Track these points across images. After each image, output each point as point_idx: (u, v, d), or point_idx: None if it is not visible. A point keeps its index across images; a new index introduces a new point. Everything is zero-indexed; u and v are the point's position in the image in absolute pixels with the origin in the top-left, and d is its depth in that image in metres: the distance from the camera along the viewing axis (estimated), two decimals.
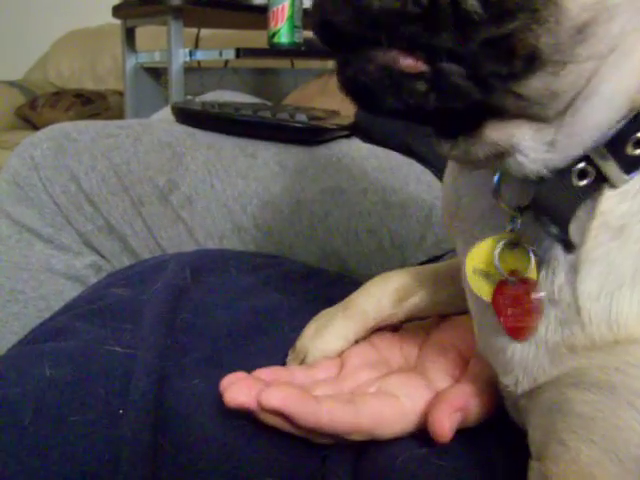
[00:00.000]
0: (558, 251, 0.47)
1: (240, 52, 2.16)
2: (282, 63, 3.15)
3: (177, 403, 0.62)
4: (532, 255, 0.48)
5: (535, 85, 0.42)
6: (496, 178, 0.50)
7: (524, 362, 0.49)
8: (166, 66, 2.31)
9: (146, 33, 2.72)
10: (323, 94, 2.05)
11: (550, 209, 0.46)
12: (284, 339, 0.73)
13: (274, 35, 2.18)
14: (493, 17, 0.39)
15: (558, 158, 0.44)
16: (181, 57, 2.24)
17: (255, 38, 2.71)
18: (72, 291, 0.97)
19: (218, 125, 1.09)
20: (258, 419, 0.55)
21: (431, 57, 0.41)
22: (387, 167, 1.08)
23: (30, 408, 0.61)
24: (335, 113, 1.26)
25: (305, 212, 1.02)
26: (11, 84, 3.92)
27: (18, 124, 3.68)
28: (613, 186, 0.45)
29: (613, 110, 0.44)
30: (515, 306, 0.49)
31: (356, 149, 1.12)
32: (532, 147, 0.44)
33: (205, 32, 3.38)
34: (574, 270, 0.46)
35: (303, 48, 2.26)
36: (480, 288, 0.51)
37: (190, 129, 1.10)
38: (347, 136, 1.17)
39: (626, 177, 0.44)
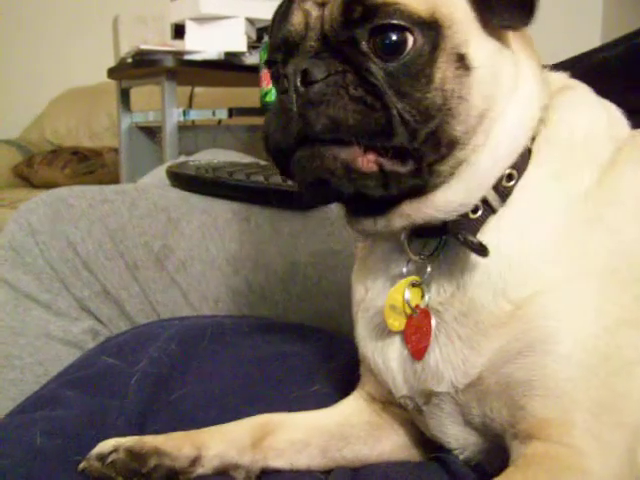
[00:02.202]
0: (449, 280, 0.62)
1: (233, 112, 2.20)
2: None
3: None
4: (426, 291, 0.63)
5: (450, 162, 0.58)
6: (403, 236, 0.64)
7: (452, 363, 0.61)
8: (160, 125, 2.34)
9: (140, 92, 2.76)
10: None
11: (460, 236, 0.60)
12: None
13: (266, 94, 2.22)
14: (422, 119, 0.55)
15: (462, 209, 0.60)
16: (175, 117, 2.28)
17: (248, 94, 2.75)
18: (69, 357, 0.98)
19: (212, 189, 1.11)
20: None
21: (381, 156, 0.56)
22: None
23: (21, 478, 0.62)
24: None
25: (299, 275, 1.03)
26: (8, 142, 3.96)
27: (15, 182, 3.71)
28: (494, 211, 0.61)
29: (504, 162, 0.61)
30: (417, 333, 0.63)
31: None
32: (440, 211, 0.60)
33: (199, 88, 3.43)
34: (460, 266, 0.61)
35: None
36: (393, 323, 0.65)
37: (185, 193, 1.12)
38: None
39: (501, 203, 0.61)
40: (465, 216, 0.61)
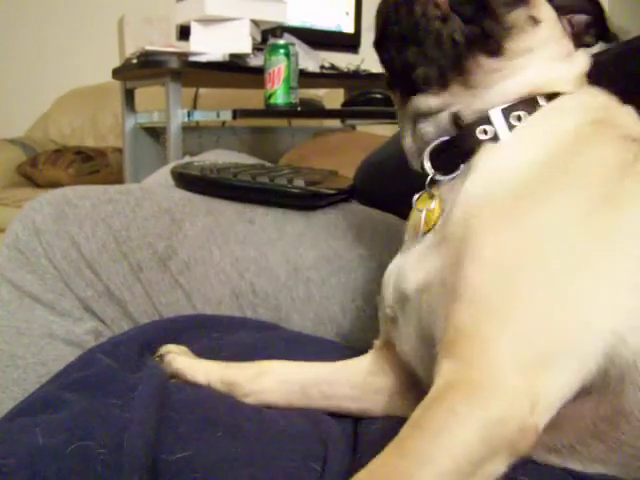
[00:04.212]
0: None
1: (237, 113, 2.20)
2: (279, 121, 3.20)
3: (171, 475, 0.63)
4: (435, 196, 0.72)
5: (515, 16, 0.70)
6: (428, 151, 0.74)
7: (422, 258, 0.68)
8: (165, 126, 2.34)
9: (145, 93, 2.77)
10: (320, 154, 2.08)
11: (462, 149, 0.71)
12: None
13: (270, 96, 2.22)
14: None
15: (474, 111, 0.72)
16: (179, 118, 2.27)
17: (252, 96, 2.75)
18: (72, 357, 0.97)
19: (217, 190, 1.11)
20: None
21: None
22: (385, 232, 1.09)
23: (25, 477, 0.61)
24: (333, 174, 1.28)
25: (302, 278, 1.03)
26: (12, 142, 3.96)
27: (19, 181, 3.71)
28: (498, 138, 0.69)
29: (514, 93, 0.71)
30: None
31: (354, 214, 1.13)
32: (465, 101, 0.72)
33: (203, 89, 3.44)
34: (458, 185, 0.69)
35: (299, 108, 2.29)
36: (414, 219, 0.75)
37: (189, 194, 1.12)
38: (345, 199, 1.18)
39: (509, 133, 0.69)
40: (472, 131, 0.71)
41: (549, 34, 0.73)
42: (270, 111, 2.27)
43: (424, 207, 0.73)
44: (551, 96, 0.72)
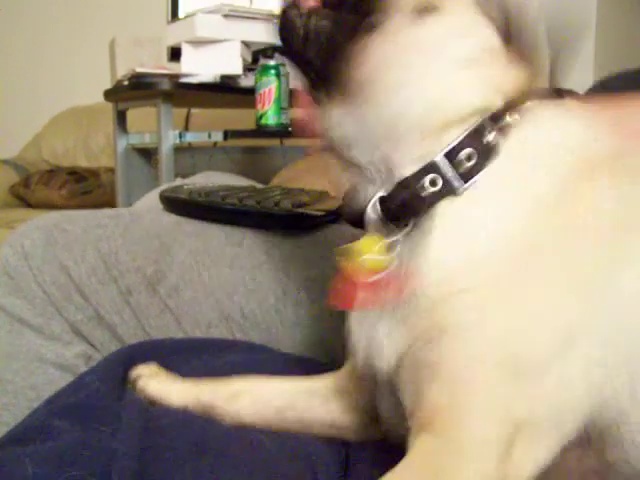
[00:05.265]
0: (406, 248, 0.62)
1: (228, 134, 2.21)
2: (271, 141, 3.21)
3: None
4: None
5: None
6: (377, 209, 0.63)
7: (389, 336, 0.61)
8: (156, 146, 2.35)
9: (137, 113, 2.78)
10: (311, 173, 2.08)
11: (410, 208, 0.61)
12: None
13: (261, 117, 2.23)
14: None
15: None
16: (171, 139, 2.29)
17: (244, 115, 2.77)
18: (62, 381, 0.97)
19: (205, 214, 1.11)
20: None
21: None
22: None
23: None
24: (323, 194, 1.28)
25: (291, 300, 1.03)
26: (5, 162, 3.97)
27: (12, 202, 3.71)
28: (454, 194, 0.59)
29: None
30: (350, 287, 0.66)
31: (342, 235, 1.13)
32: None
33: (195, 109, 3.45)
34: (420, 246, 0.60)
35: (290, 129, 2.31)
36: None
37: (178, 218, 1.12)
38: (334, 220, 1.19)
39: (465, 186, 0.59)
40: (420, 188, 0.60)
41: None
42: (261, 132, 2.29)
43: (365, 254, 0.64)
44: (495, 117, 0.60)
